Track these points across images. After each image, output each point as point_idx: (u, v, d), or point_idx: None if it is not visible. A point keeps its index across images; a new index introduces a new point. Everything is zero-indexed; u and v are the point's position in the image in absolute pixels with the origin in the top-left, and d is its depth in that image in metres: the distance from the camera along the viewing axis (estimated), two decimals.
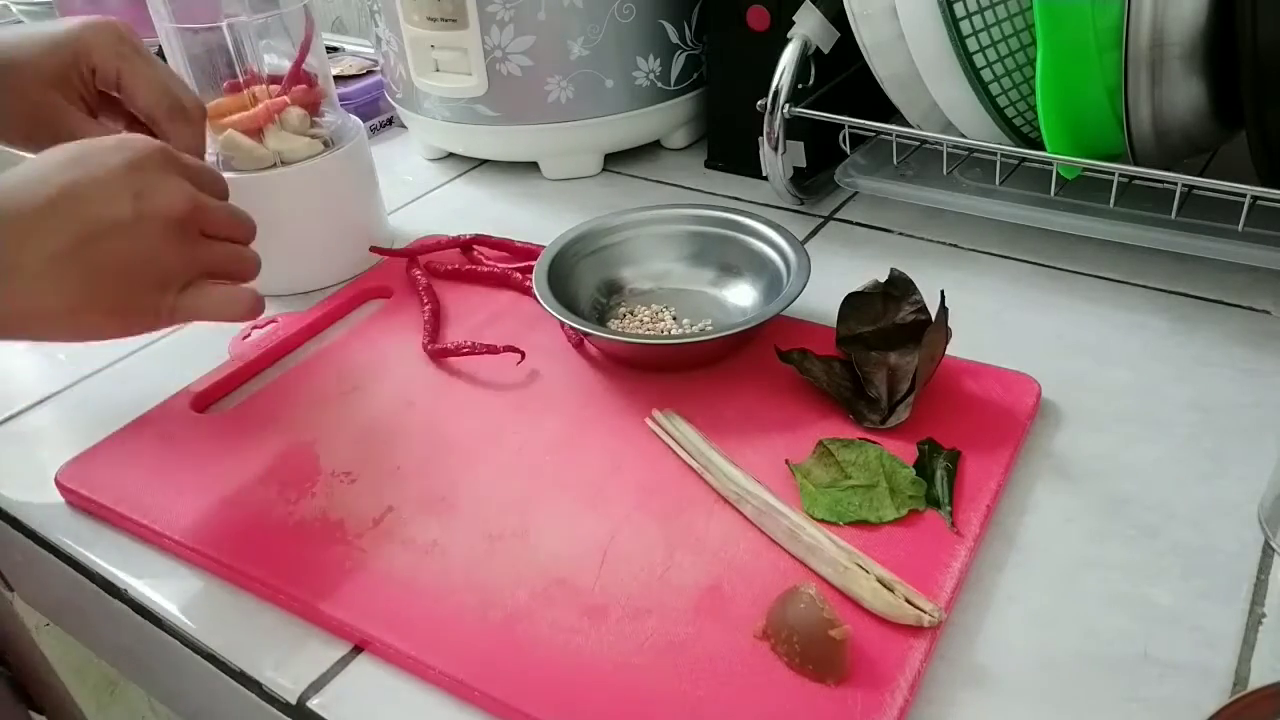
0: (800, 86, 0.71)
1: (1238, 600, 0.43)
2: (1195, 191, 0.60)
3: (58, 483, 0.54)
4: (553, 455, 0.53)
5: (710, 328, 0.62)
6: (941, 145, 0.68)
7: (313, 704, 0.43)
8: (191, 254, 0.48)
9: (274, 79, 0.71)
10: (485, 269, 0.69)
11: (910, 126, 0.70)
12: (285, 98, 0.70)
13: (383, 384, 0.60)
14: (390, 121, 1.00)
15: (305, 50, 0.69)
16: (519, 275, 0.67)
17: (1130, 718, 0.39)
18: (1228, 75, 0.56)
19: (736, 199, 0.79)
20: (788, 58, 0.70)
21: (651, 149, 0.88)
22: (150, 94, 0.56)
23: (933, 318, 0.53)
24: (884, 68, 0.67)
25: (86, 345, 0.67)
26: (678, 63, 0.82)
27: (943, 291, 0.53)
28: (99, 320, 0.46)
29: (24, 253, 0.43)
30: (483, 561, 0.47)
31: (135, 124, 0.58)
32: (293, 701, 0.43)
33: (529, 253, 0.69)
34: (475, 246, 0.72)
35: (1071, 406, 0.55)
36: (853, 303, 0.57)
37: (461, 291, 0.68)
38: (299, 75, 0.70)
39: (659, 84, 0.82)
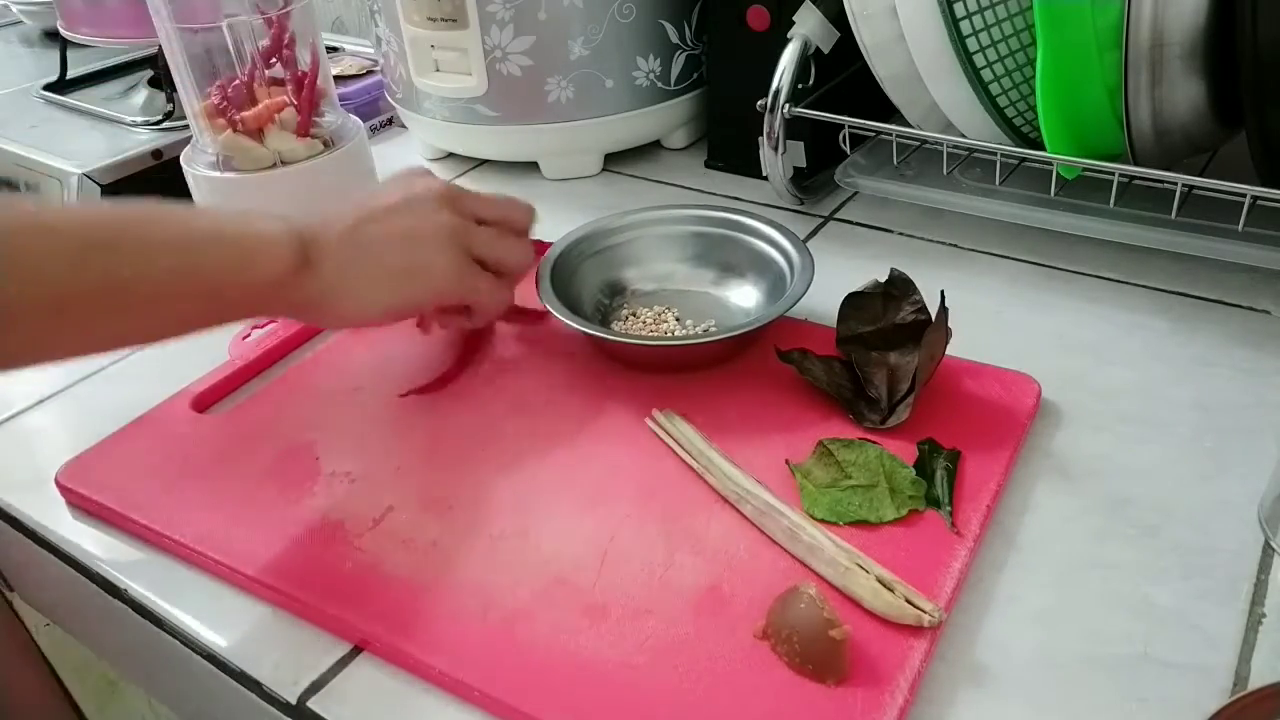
0: (800, 86, 0.71)
1: (1238, 600, 0.43)
2: (1195, 191, 0.60)
3: (58, 483, 0.54)
4: (553, 455, 0.53)
5: (713, 328, 0.62)
6: (941, 145, 0.68)
7: (313, 704, 0.43)
8: (460, 226, 0.53)
9: (275, 81, 0.71)
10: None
11: (910, 126, 0.70)
12: (284, 98, 0.70)
13: (383, 384, 0.60)
14: (390, 121, 1.00)
15: (314, 73, 0.69)
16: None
17: (1130, 718, 0.39)
18: (1228, 75, 0.56)
19: (736, 199, 0.79)
20: (788, 58, 0.70)
21: (651, 149, 0.88)
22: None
23: (933, 318, 0.53)
24: (884, 68, 0.67)
25: None
26: (678, 63, 0.82)
27: (943, 291, 0.53)
28: (393, 291, 0.53)
29: (326, 231, 0.51)
30: (483, 561, 0.47)
31: None
32: (293, 701, 0.43)
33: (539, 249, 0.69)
34: None
35: (1071, 406, 0.55)
36: (853, 303, 0.57)
37: None
38: (309, 97, 0.70)
39: (659, 84, 0.82)
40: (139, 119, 0.92)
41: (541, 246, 0.64)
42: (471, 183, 0.87)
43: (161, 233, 0.45)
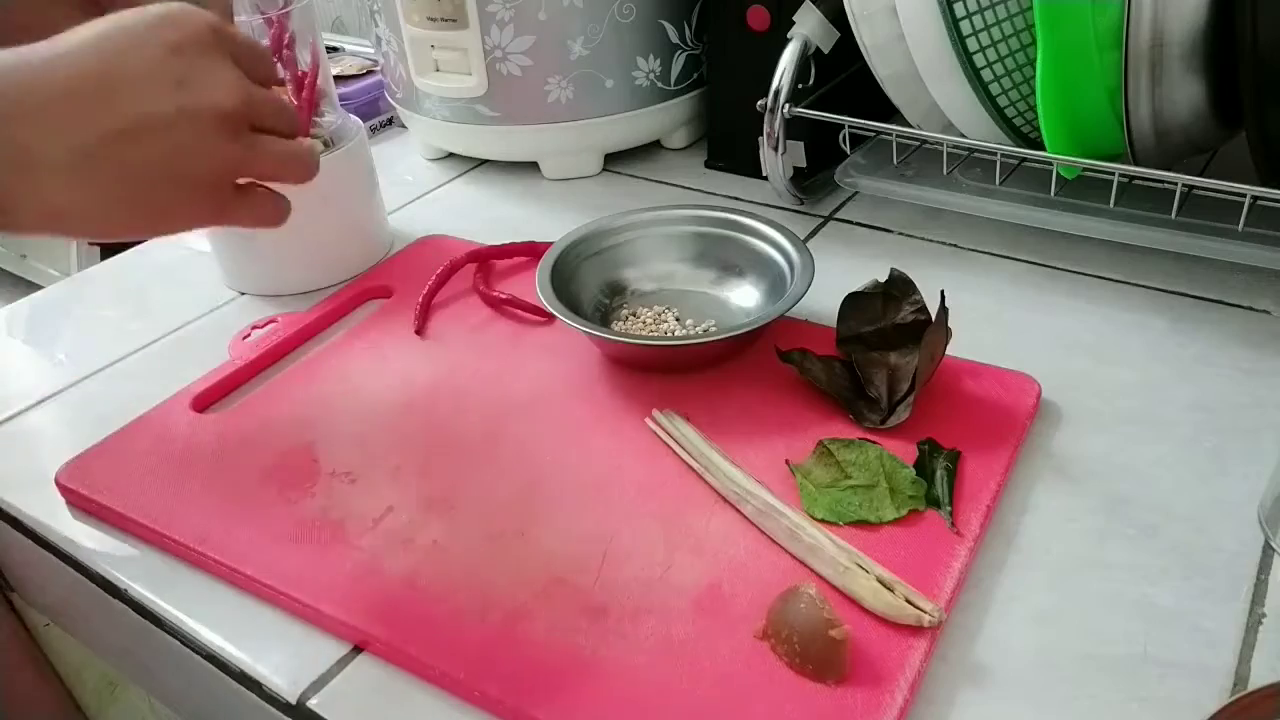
0: (800, 86, 0.71)
1: (1238, 600, 0.43)
2: (1195, 191, 0.60)
3: (58, 483, 0.54)
4: (553, 455, 0.53)
5: (713, 328, 0.62)
6: (941, 145, 0.68)
7: (313, 704, 0.43)
8: (239, 153, 0.42)
9: (276, 81, 0.71)
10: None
11: (910, 126, 0.70)
12: (284, 98, 0.70)
13: (383, 384, 0.60)
14: (390, 121, 1.00)
15: (314, 73, 0.69)
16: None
17: (1130, 718, 0.39)
18: (1228, 75, 0.56)
19: (736, 199, 0.79)
20: (788, 58, 0.70)
21: (651, 149, 0.88)
22: None
23: (933, 318, 0.53)
24: (884, 68, 0.67)
25: (87, 342, 0.68)
26: (678, 63, 0.82)
27: (943, 291, 0.53)
28: (135, 222, 0.41)
29: (49, 143, 0.37)
30: (483, 561, 0.47)
31: None
32: (293, 701, 0.43)
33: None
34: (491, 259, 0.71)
35: (1071, 406, 0.55)
36: (853, 303, 0.57)
37: (461, 291, 0.68)
38: (309, 98, 0.70)
39: (659, 84, 0.82)
40: None
41: (541, 247, 0.64)
42: (471, 183, 0.87)
43: None
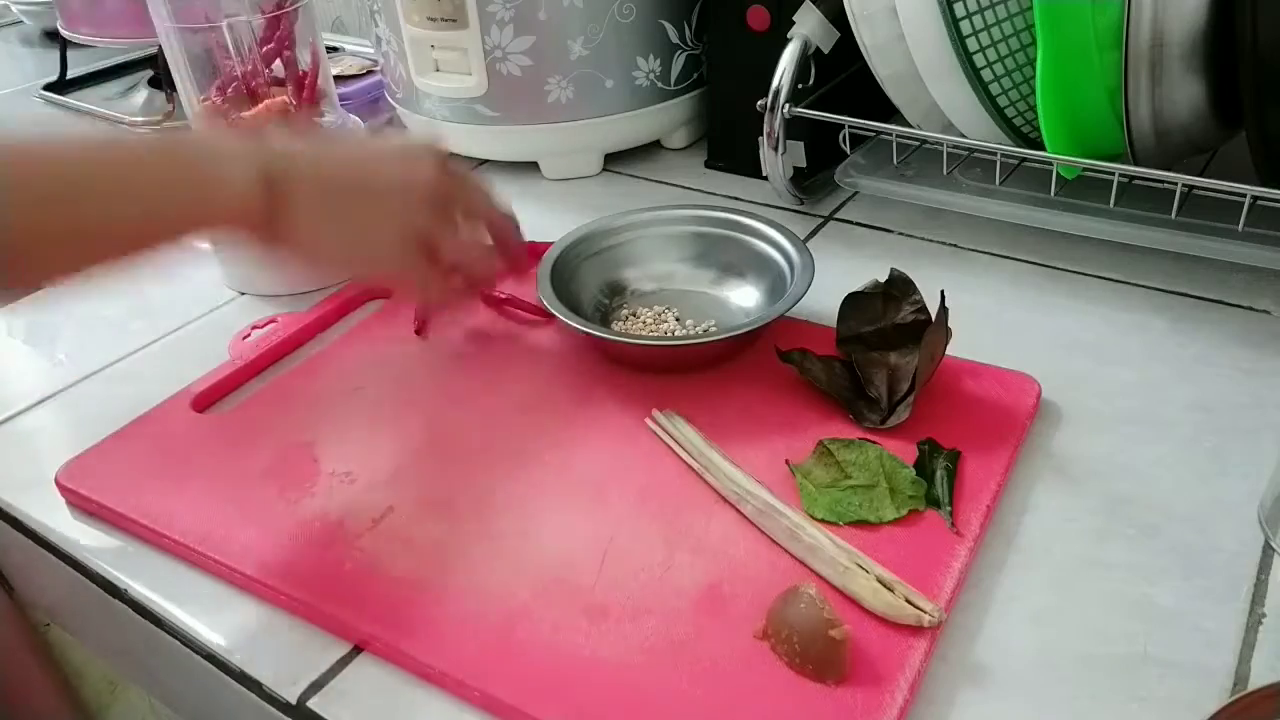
0: (800, 86, 0.71)
1: (1238, 600, 0.43)
2: (1195, 191, 0.60)
3: (58, 483, 0.54)
4: (553, 455, 0.53)
5: (713, 329, 0.62)
6: (941, 145, 0.68)
7: (313, 704, 0.43)
8: (436, 227, 0.54)
9: (276, 81, 0.71)
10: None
11: (910, 126, 0.70)
12: (284, 98, 0.70)
13: (383, 384, 0.60)
14: (390, 121, 1.00)
15: (315, 73, 0.69)
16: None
17: (1130, 718, 0.39)
18: (1228, 75, 0.56)
19: (736, 199, 0.79)
20: (788, 58, 0.70)
21: (651, 149, 0.88)
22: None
23: (933, 318, 0.53)
24: (884, 68, 0.67)
25: (87, 342, 0.68)
26: (678, 63, 0.82)
27: (943, 291, 0.53)
28: (346, 256, 0.54)
29: (303, 181, 0.50)
30: (483, 561, 0.47)
31: None
32: (293, 701, 0.43)
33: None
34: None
35: (1071, 406, 0.55)
36: (853, 303, 0.57)
37: None
38: (309, 98, 0.70)
39: (659, 84, 0.82)
40: (139, 119, 0.93)
41: (541, 247, 0.64)
42: None
43: (127, 180, 0.47)
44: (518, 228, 0.61)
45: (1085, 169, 0.63)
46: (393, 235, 0.53)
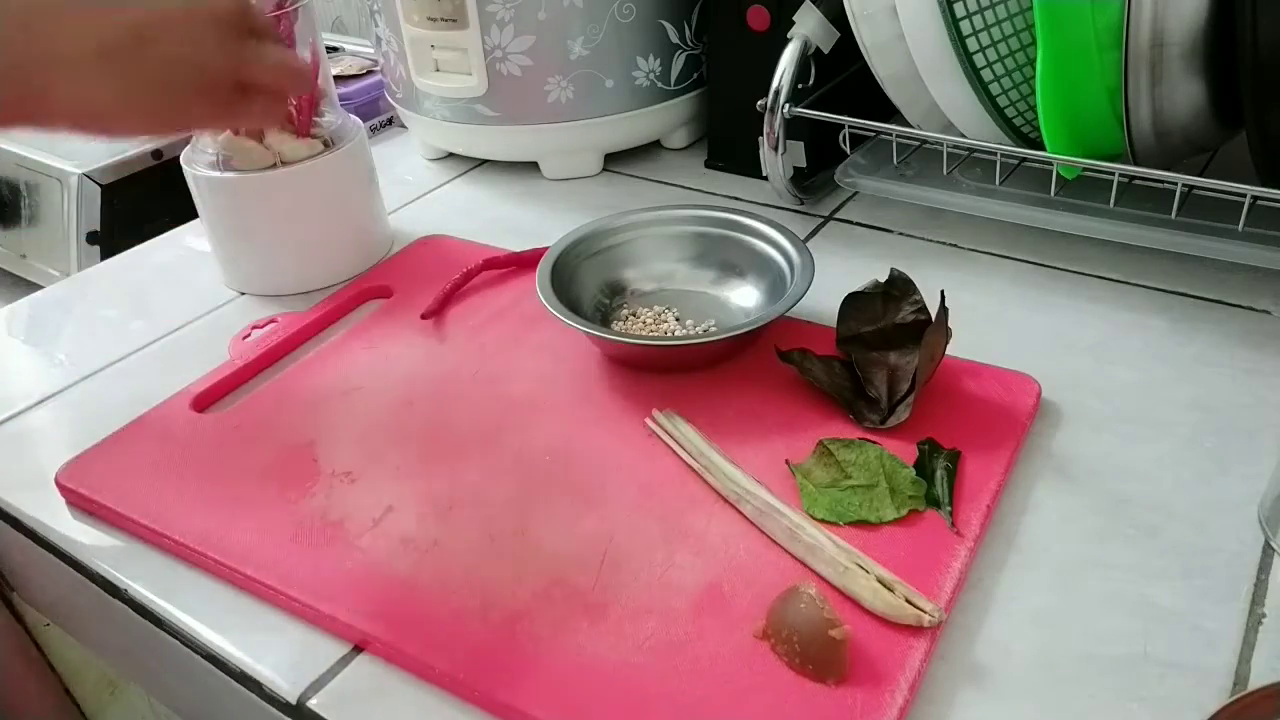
0: (800, 86, 0.71)
1: (1238, 600, 0.43)
2: (1195, 191, 0.60)
3: (58, 483, 0.54)
4: (553, 455, 0.53)
5: (713, 329, 0.62)
6: (941, 145, 0.68)
7: (313, 704, 0.43)
8: (241, 53, 0.47)
9: None
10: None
11: (910, 126, 0.70)
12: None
13: (383, 384, 0.60)
14: (390, 121, 1.00)
15: (315, 74, 0.69)
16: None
17: (1130, 718, 0.39)
18: (1228, 75, 0.56)
19: (736, 199, 0.79)
20: (788, 58, 0.70)
21: (651, 149, 0.88)
22: None
23: (933, 318, 0.53)
24: (884, 68, 0.67)
25: (87, 342, 0.68)
26: (678, 63, 0.82)
27: (943, 291, 0.53)
28: (154, 117, 0.46)
29: (76, 43, 0.42)
30: (483, 561, 0.47)
31: None
32: (293, 701, 0.43)
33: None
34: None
35: (1071, 406, 0.55)
36: (853, 303, 0.57)
37: (461, 291, 0.68)
38: (311, 98, 0.70)
39: (659, 84, 0.82)
40: None
41: (539, 253, 0.64)
42: (471, 183, 0.87)
43: None
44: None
45: (1085, 169, 0.63)
46: (197, 78, 0.46)
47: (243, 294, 0.72)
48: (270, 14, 0.68)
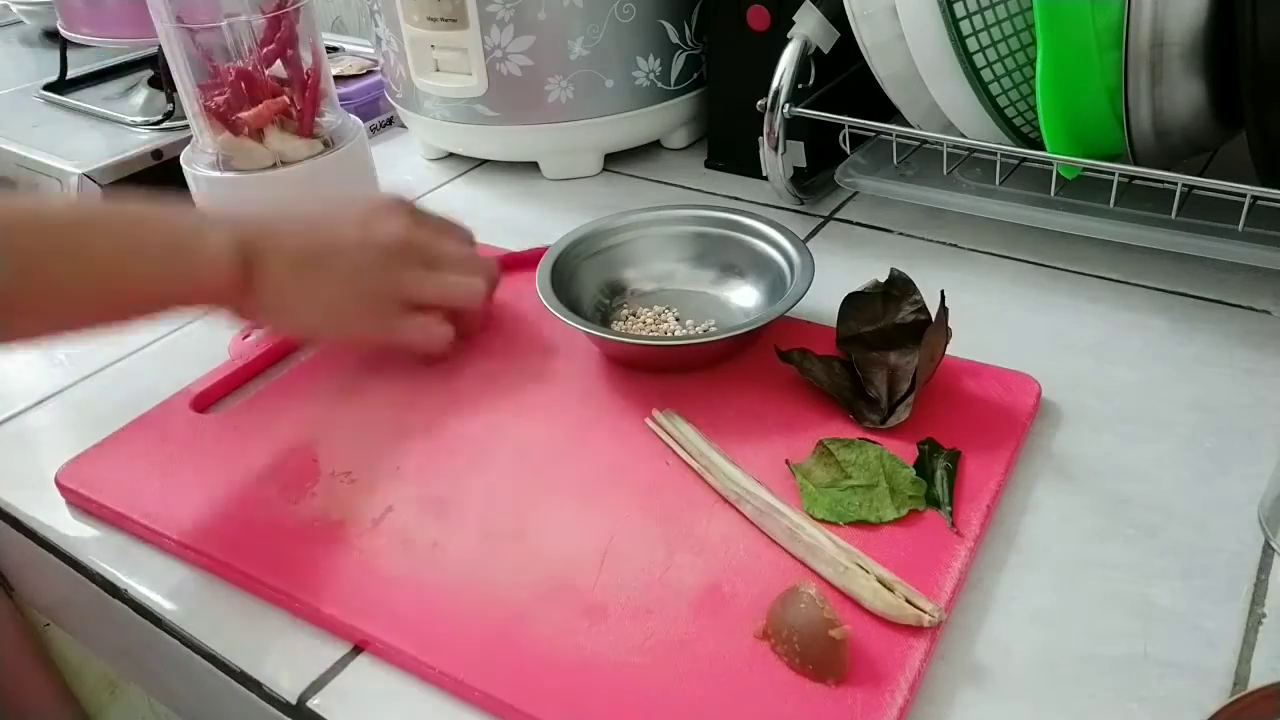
0: (800, 86, 0.71)
1: (1238, 600, 0.43)
2: (1195, 191, 0.60)
3: (58, 483, 0.54)
4: (553, 455, 0.53)
5: (713, 329, 0.62)
6: (941, 145, 0.68)
7: (313, 704, 0.43)
8: (406, 278, 0.56)
9: (277, 81, 0.71)
10: None
11: (910, 126, 0.70)
12: (285, 98, 0.70)
13: (383, 384, 0.60)
14: (390, 121, 1.00)
15: (316, 73, 0.69)
16: None
17: (1130, 718, 0.39)
18: (1228, 75, 0.56)
19: (736, 199, 0.79)
20: (788, 58, 0.70)
21: (651, 149, 0.88)
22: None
23: (933, 318, 0.53)
24: (884, 68, 0.67)
25: (88, 343, 0.68)
26: (678, 63, 0.82)
27: (943, 291, 0.53)
28: (327, 323, 0.57)
29: (278, 254, 0.53)
30: (483, 561, 0.47)
31: None
32: (293, 701, 0.43)
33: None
34: None
35: (1071, 406, 0.55)
36: (853, 303, 0.57)
37: None
38: (312, 98, 0.70)
39: (659, 84, 0.82)
40: (139, 119, 0.92)
41: (538, 254, 0.64)
42: (471, 183, 0.87)
43: (103, 239, 0.49)
44: (469, 239, 0.64)
45: (1085, 169, 0.63)
46: (361, 296, 0.55)
47: None
48: (270, 14, 0.68)
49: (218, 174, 0.68)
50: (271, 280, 0.53)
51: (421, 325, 0.57)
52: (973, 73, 0.63)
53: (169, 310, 0.52)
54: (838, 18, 0.69)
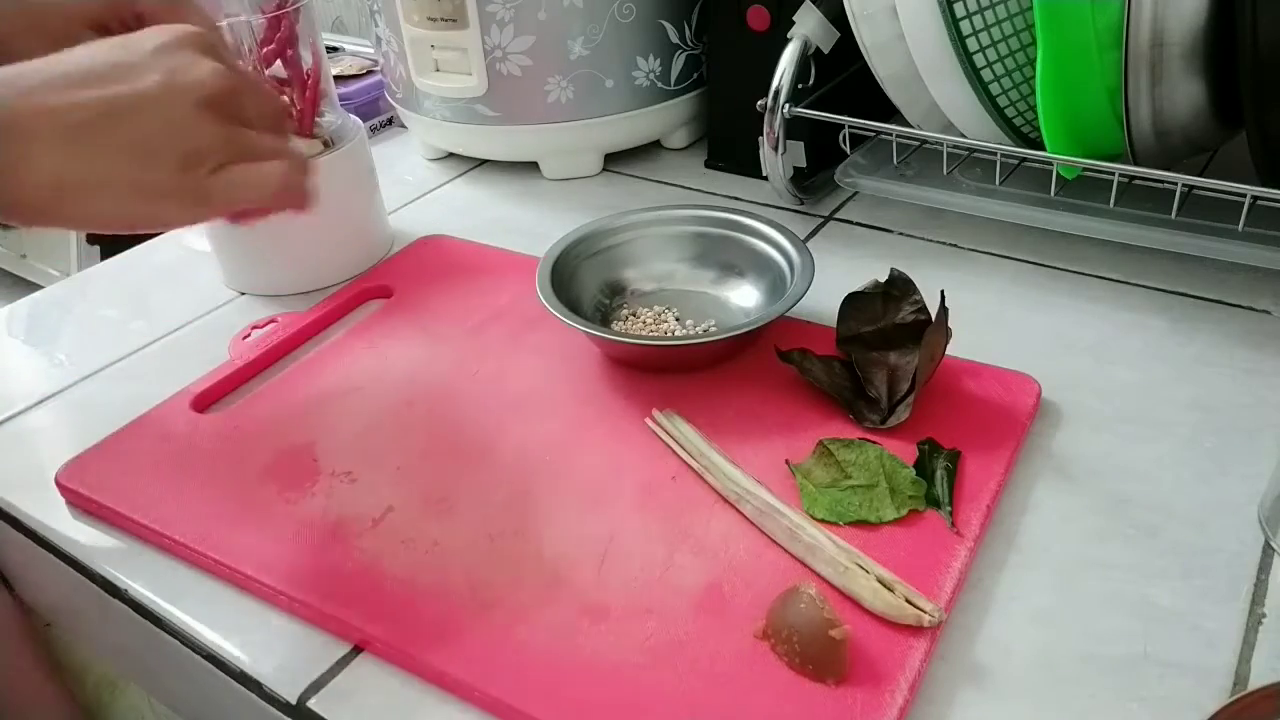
0: (800, 86, 0.71)
1: (1238, 600, 0.43)
2: (1195, 191, 0.60)
3: (58, 483, 0.54)
4: (553, 455, 0.53)
5: (713, 329, 0.62)
6: (941, 145, 0.68)
7: (313, 704, 0.43)
8: (221, 133, 0.43)
9: (277, 81, 0.71)
10: None
11: (910, 126, 0.70)
12: (285, 98, 0.70)
13: (383, 384, 0.60)
14: (390, 121, 1.00)
15: (316, 73, 0.69)
16: None
17: (1130, 718, 0.39)
18: (1228, 75, 0.56)
19: (736, 199, 0.79)
20: (788, 58, 0.70)
21: (651, 149, 0.88)
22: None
23: (933, 318, 0.53)
24: (884, 68, 0.67)
25: (87, 342, 0.68)
26: (678, 63, 0.82)
27: (943, 291, 0.53)
28: (125, 204, 0.42)
29: (43, 119, 0.40)
30: (483, 561, 0.47)
31: None
32: (293, 701, 0.43)
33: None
34: None
35: (1071, 406, 0.55)
36: (853, 303, 0.57)
37: (461, 291, 0.68)
38: (311, 98, 0.70)
39: (659, 84, 0.82)
40: None
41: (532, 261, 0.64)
42: (471, 183, 0.87)
43: None
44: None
45: (1085, 169, 0.63)
46: (163, 158, 0.42)
47: (242, 294, 0.72)
48: (270, 14, 0.68)
49: None
50: (40, 163, 0.39)
51: (252, 175, 0.44)
52: (973, 73, 0.63)
53: None
54: (838, 18, 0.69)
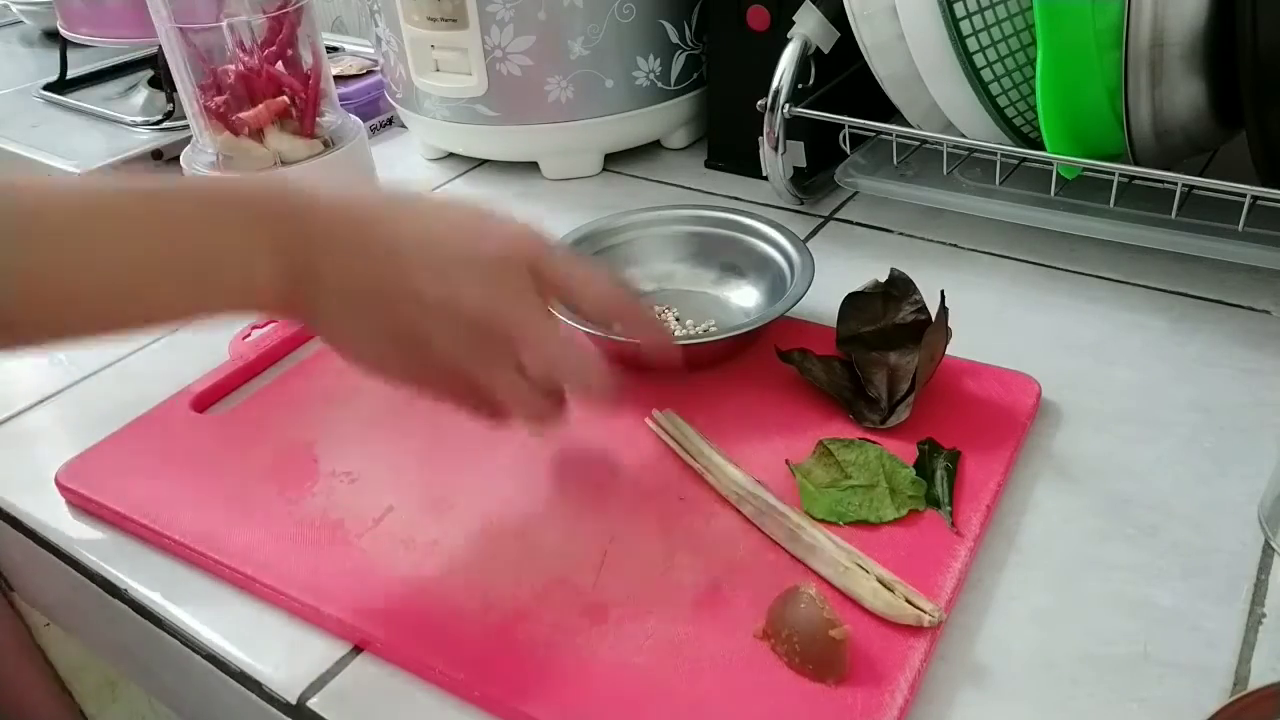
0: (800, 86, 0.71)
1: (1238, 600, 0.43)
2: (1195, 191, 0.60)
3: (58, 483, 0.54)
4: (553, 455, 0.53)
5: (713, 329, 0.62)
6: (941, 145, 0.68)
7: (313, 704, 0.43)
8: (477, 376, 0.42)
9: (278, 81, 0.71)
10: None
11: (910, 126, 0.70)
12: (284, 98, 0.70)
13: (382, 384, 0.60)
14: (390, 121, 1.00)
15: (317, 73, 0.69)
16: None
17: (1130, 718, 0.39)
18: (1228, 75, 0.56)
19: (736, 199, 0.79)
20: (788, 58, 0.70)
21: (651, 149, 0.88)
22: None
23: (933, 318, 0.53)
24: (884, 68, 0.67)
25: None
26: (678, 63, 0.82)
27: (943, 291, 0.53)
28: (389, 372, 0.45)
29: (328, 281, 0.41)
30: (483, 561, 0.47)
31: None
32: (293, 701, 0.43)
33: None
34: None
35: (1071, 406, 0.55)
36: (853, 303, 0.57)
37: None
38: (313, 98, 0.70)
39: (659, 84, 0.82)
40: (139, 119, 0.93)
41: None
42: (471, 183, 0.87)
43: (120, 248, 0.40)
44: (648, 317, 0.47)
45: (1085, 169, 0.63)
46: (457, 336, 0.41)
47: None
48: (271, 14, 0.68)
49: (217, 174, 0.68)
50: (330, 286, 0.41)
51: (525, 390, 0.42)
52: (973, 73, 0.63)
53: (196, 321, 0.43)
54: (838, 18, 0.69)
